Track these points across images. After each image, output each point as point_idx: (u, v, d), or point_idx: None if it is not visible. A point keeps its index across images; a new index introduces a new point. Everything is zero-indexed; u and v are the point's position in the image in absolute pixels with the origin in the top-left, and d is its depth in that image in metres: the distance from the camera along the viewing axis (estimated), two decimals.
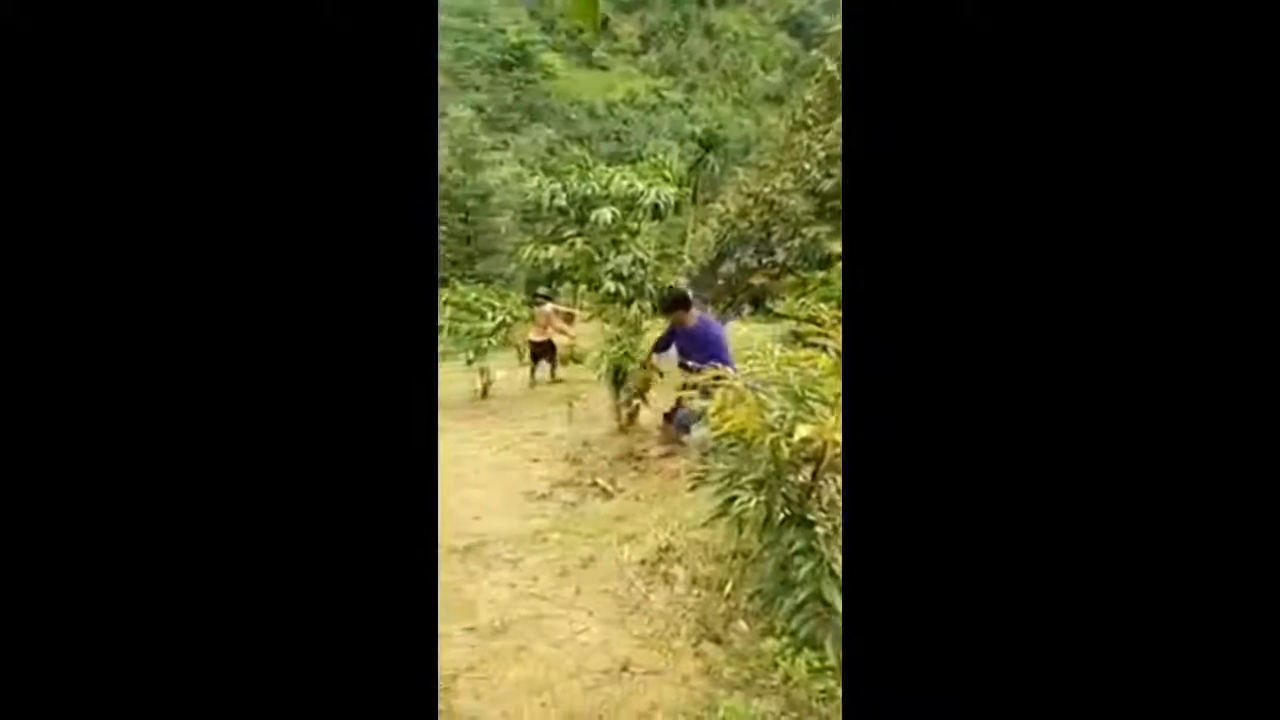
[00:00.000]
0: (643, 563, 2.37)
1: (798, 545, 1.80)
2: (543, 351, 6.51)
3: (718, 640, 1.90)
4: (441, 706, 1.66)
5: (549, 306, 6.46)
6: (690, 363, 3.71)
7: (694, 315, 3.66)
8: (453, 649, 1.91)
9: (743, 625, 1.96)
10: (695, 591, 2.17)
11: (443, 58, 41.12)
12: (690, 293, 3.95)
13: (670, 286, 4.07)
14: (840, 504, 1.90)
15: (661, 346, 3.95)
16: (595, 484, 3.39)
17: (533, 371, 6.52)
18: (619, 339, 4.20)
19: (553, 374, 6.61)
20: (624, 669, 1.78)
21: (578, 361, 6.39)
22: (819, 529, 1.82)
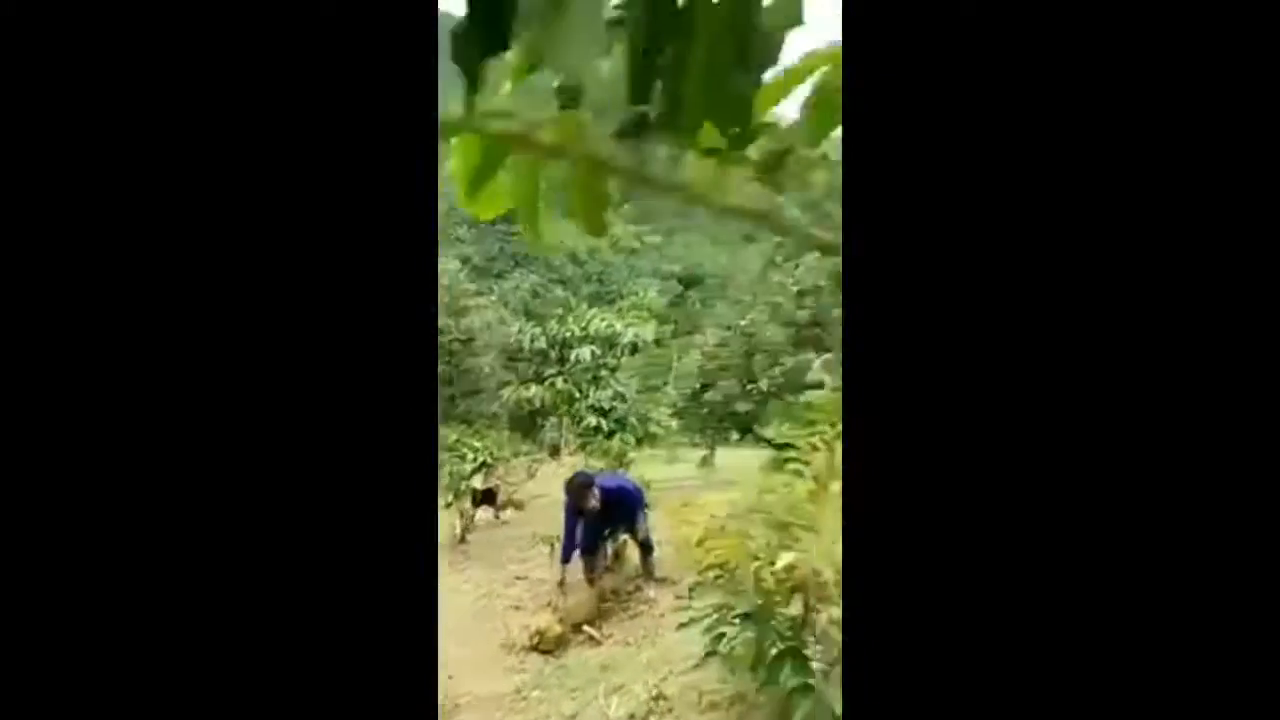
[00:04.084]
0: (631, 717, 2.18)
1: (793, 683, 1.69)
2: (486, 498, 6.93)
3: None
4: None
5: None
6: (610, 536, 3.51)
7: (594, 492, 3.42)
8: None
9: None
10: None
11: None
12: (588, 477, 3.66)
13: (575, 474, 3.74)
14: (834, 636, 1.81)
15: (568, 550, 3.49)
16: (580, 630, 3.18)
17: (473, 517, 6.80)
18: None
19: (496, 516, 6.93)
20: None
21: (518, 508, 7.01)
22: (815, 663, 1.72)
